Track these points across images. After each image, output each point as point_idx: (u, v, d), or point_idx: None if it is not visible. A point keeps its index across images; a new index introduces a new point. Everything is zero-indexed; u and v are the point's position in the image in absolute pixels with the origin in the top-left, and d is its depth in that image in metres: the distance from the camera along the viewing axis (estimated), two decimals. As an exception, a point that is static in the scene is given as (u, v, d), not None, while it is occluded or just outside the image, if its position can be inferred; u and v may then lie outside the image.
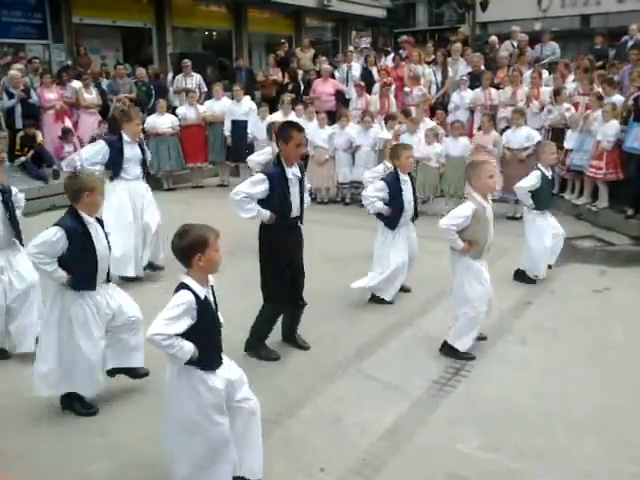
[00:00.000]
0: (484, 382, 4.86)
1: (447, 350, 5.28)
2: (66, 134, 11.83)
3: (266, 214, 5.00)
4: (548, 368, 5.05)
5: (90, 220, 4.40)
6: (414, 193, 6.50)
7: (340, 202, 10.99)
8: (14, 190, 5.32)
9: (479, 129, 10.07)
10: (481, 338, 5.45)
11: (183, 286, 3.34)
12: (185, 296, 3.30)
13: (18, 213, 5.31)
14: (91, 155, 6.86)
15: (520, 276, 7.06)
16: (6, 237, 5.21)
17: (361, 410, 4.49)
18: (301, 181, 5.19)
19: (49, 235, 4.24)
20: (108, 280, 4.59)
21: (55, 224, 4.29)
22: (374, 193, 6.36)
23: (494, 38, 14.06)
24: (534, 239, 6.94)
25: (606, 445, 4.06)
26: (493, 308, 5.43)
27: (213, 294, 3.51)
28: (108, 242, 4.54)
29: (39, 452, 4.07)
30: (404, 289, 6.66)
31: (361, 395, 4.71)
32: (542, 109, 10.31)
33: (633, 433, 4.19)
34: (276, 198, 4.98)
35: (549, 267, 7.08)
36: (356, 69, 13.74)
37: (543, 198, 6.91)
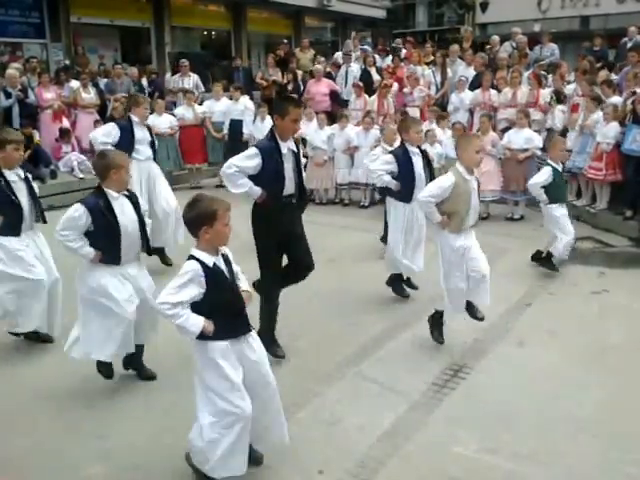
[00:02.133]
0: (482, 384, 4.85)
1: (432, 320, 5.42)
2: (64, 134, 11.79)
3: (257, 191, 4.81)
4: (546, 369, 5.03)
5: (115, 195, 4.46)
6: (429, 167, 6.35)
7: (339, 203, 10.95)
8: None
9: (478, 130, 10.03)
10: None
11: (190, 257, 3.39)
12: (190, 265, 3.35)
13: None
14: (101, 135, 7.16)
15: (542, 260, 7.21)
16: (31, 219, 5.27)
17: (359, 412, 4.47)
18: (297, 156, 4.99)
19: (71, 212, 4.38)
20: (149, 252, 4.76)
21: (77, 202, 4.42)
22: (381, 166, 6.26)
23: (495, 38, 14.02)
24: (558, 231, 7.11)
25: (604, 447, 4.06)
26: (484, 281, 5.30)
27: (228, 262, 3.51)
28: (140, 216, 4.61)
29: (37, 454, 4.06)
30: (412, 286, 6.58)
31: (359, 397, 4.69)
32: (545, 112, 10.28)
33: (631, 435, 4.18)
34: (268, 173, 4.77)
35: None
36: (356, 70, 13.71)
37: (557, 192, 7.05)
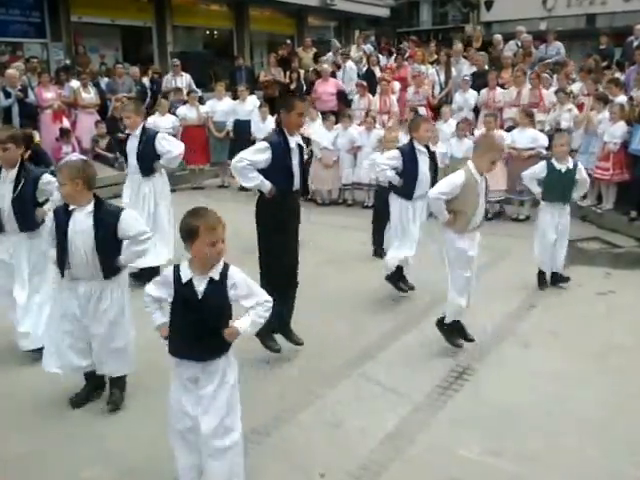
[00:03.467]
0: (487, 385, 4.82)
1: (445, 326, 5.34)
2: (64, 134, 11.71)
3: (268, 185, 4.83)
4: (551, 371, 4.99)
5: (71, 207, 4.27)
6: (434, 168, 6.28)
7: (342, 204, 10.87)
8: (46, 178, 5.05)
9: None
10: (468, 339, 5.38)
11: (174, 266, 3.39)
12: (167, 270, 3.40)
13: (49, 205, 5.04)
14: None
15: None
16: (11, 225, 5.06)
17: (362, 414, 4.44)
18: (302, 151, 5.04)
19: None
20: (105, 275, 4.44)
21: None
22: (386, 161, 6.23)
23: (498, 37, 13.92)
24: (536, 231, 6.88)
25: (609, 449, 4.01)
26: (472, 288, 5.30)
27: (214, 288, 3.28)
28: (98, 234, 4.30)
29: (36, 456, 4.03)
30: (409, 286, 6.54)
31: (362, 399, 4.65)
32: (548, 111, 10.18)
33: (637, 437, 4.14)
34: (278, 168, 4.81)
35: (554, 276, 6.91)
36: (350, 69, 13.67)
37: (548, 190, 6.74)
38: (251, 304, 3.35)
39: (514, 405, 4.50)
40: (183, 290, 3.28)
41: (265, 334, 5.06)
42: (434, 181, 6.11)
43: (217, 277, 3.28)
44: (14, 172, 4.99)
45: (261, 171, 4.83)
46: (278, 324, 5.17)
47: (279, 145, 4.83)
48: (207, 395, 3.36)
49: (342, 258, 7.78)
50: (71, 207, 4.24)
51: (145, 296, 3.45)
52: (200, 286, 3.27)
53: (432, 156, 6.33)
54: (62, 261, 4.26)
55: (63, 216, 4.24)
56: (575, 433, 4.17)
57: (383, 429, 4.23)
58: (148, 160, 6.94)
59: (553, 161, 6.71)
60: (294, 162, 4.92)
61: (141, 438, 4.10)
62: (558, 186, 6.65)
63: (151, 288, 3.43)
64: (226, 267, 3.32)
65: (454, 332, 5.35)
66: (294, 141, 4.92)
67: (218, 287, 3.28)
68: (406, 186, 6.20)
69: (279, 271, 4.97)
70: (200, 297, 3.27)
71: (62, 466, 3.92)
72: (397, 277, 6.51)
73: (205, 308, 3.28)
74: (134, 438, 4.13)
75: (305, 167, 5.10)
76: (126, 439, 4.14)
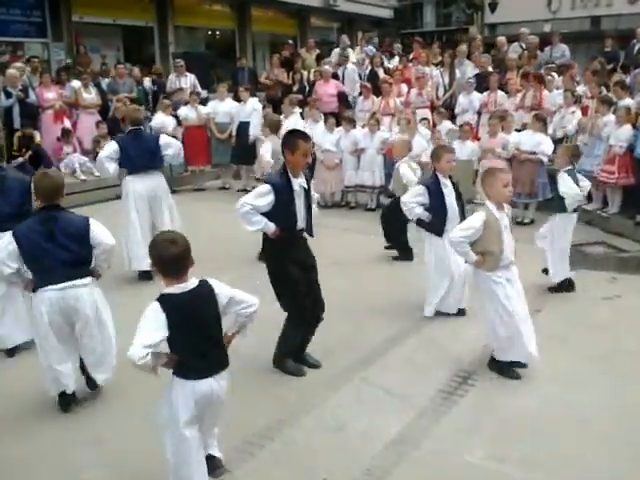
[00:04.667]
0: (491, 390, 4.79)
1: (492, 365, 5.10)
2: (65, 135, 11.64)
3: (272, 227, 4.82)
4: (556, 376, 4.96)
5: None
6: (460, 199, 6.13)
7: (345, 206, 10.81)
8: None
9: (487, 132, 9.86)
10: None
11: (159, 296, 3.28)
12: (152, 306, 3.24)
13: None
14: None
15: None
16: None
17: (365, 419, 4.40)
18: (307, 192, 5.00)
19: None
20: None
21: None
22: (413, 198, 6.08)
23: (502, 39, 13.83)
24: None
25: (615, 455, 3.98)
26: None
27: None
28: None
29: (34, 459, 4.02)
30: (460, 311, 6.26)
31: (365, 403, 4.64)
32: (551, 114, 10.09)
33: (641, 441, 4.11)
34: (281, 210, 4.80)
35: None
36: (351, 71, 13.61)
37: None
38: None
39: (518, 410, 4.47)
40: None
41: (283, 362, 5.09)
42: (462, 212, 6.00)
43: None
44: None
45: (266, 213, 4.82)
46: (296, 353, 5.21)
47: (282, 188, 4.80)
48: (211, 409, 3.54)
49: (345, 261, 7.74)
50: None
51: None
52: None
53: (456, 187, 6.16)
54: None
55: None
56: (579, 438, 4.14)
57: (386, 434, 4.20)
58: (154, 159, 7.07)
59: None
60: (297, 203, 4.88)
61: (143, 442, 4.03)
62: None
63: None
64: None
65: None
66: (298, 183, 4.87)
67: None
68: (436, 221, 6.04)
69: (298, 309, 4.96)
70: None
71: (62, 468, 3.90)
72: None
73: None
74: (136, 442, 4.09)
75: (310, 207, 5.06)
76: (128, 443, 4.12)
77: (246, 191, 6.81)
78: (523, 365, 5.01)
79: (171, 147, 7.14)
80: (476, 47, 12.98)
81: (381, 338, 5.67)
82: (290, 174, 4.83)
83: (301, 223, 4.96)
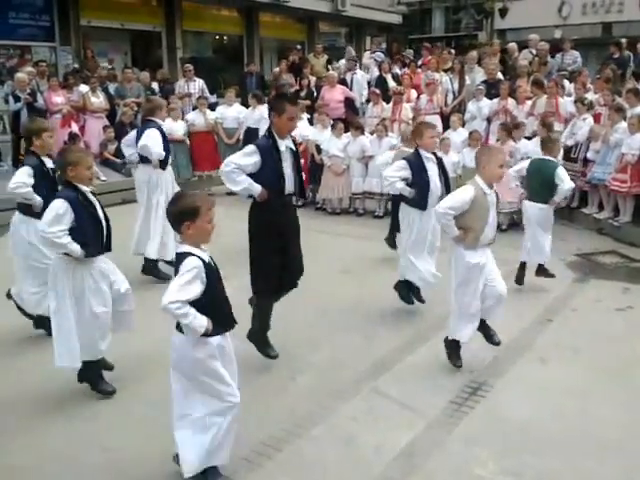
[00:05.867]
0: (503, 402, 4.69)
1: (448, 344, 5.19)
2: (73, 139, 11.60)
3: (257, 188, 4.76)
4: (569, 388, 4.85)
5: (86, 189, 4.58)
6: (444, 175, 6.16)
7: (352, 213, 10.73)
8: None
9: (498, 140, 9.76)
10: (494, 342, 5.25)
11: (186, 255, 3.37)
12: (193, 261, 3.35)
13: None
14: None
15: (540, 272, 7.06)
16: None
17: (375, 429, 4.34)
18: (295, 154, 4.99)
19: (55, 208, 4.40)
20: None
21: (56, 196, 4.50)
22: (394, 172, 6.10)
23: (513, 45, 13.75)
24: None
25: (629, 469, 3.90)
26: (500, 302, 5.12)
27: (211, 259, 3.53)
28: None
29: (39, 465, 3.96)
30: (420, 299, 6.38)
31: (375, 414, 4.55)
32: (565, 122, 9.99)
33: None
34: (268, 171, 4.75)
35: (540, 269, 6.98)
36: (361, 78, 13.58)
37: (528, 186, 7.02)
38: None
39: (532, 423, 4.39)
40: (211, 271, 3.44)
41: (262, 343, 5.08)
42: (447, 190, 6.01)
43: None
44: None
45: (251, 175, 4.79)
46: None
47: (267, 148, 4.78)
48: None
49: (353, 268, 7.67)
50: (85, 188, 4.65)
51: (180, 306, 3.29)
52: (212, 262, 3.51)
53: (440, 163, 6.19)
54: (101, 236, 4.70)
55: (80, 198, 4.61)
56: (595, 452, 4.05)
57: (397, 445, 4.13)
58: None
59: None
60: (285, 165, 4.85)
61: (150, 449, 4.00)
62: (535, 184, 6.90)
63: (182, 294, 3.29)
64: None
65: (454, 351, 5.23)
66: (284, 144, 4.85)
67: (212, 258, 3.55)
68: (418, 196, 6.05)
69: (266, 272, 4.92)
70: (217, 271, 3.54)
71: (66, 476, 3.87)
72: (407, 288, 6.35)
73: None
74: (142, 449, 4.04)
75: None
76: (134, 450, 4.05)
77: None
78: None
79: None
80: (494, 53, 12.90)
81: (391, 347, 5.59)
82: (276, 136, 4.80)
83: (290, 186, 4.90)
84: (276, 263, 4.90)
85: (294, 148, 4.98)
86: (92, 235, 4.51)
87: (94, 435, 4.25)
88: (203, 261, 3.38)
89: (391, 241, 7.71)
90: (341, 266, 7.61)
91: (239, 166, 4.75)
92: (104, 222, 4.62)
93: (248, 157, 4.76)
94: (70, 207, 4.39)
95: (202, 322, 3.34)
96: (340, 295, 6.43)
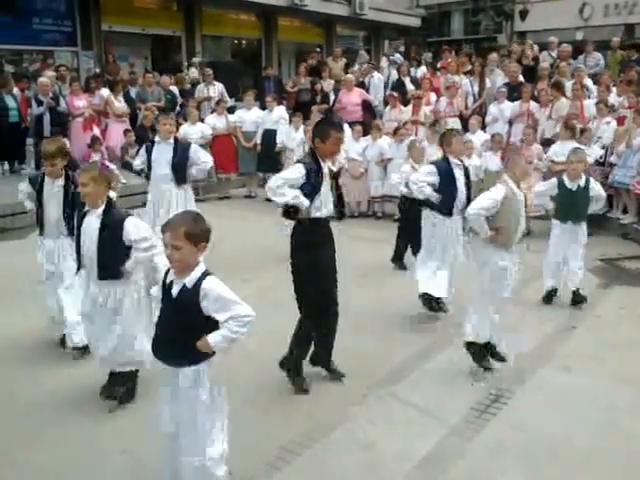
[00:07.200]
0: (525, 411, 4.63)
1: (470, 347, 5.15)
2: (94, 142, 11.69)
3: (305, 201, 4.60)
4: (594, 398, 4.78)
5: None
6: (468, 182, 6.14)
7: (371, 216, 10.69)
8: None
9: (522, 141, 9.67)
10: (500, 359, 5.19)
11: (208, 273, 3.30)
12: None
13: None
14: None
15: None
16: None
17: (394, 436, 4.29)
18: (335, 177, 4.99)
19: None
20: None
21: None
22: (423, 177, 6.08)
23: (535, 48, 13.62)
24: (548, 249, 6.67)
25: None
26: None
27: (186, 294, 3.32)
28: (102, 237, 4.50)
29: (58, 469, 3.96)
30: (442, 308, 6.33)
31: (395, 420, 4.52)
32: (588, 123, 9.88)
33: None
34: (310, 190, 4.64)
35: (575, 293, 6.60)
36: (380, 79, 13.53)
37: (559, 208, 6.60)
38: (224, 318, 3.25)
39: (556, 432, 4.33)
40: (165, 290, 3.37)
41: (295, 371, 4.91)
42: (468, 197, 6.00)
43: (190, 285, 3.27)
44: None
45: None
46: (316, 355, 5.06)
47: (312, 167, 4.68)
48: (181, 412, 3.39)
49: (373, 273, 7.63)
50: (86, 208, 4.51)
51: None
52: (175, 290, 3.32)
53: (466, 171, 6.19)
54: (78, 259, 4.59)
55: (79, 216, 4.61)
56: (621, 463, 3.99)
57: (417, 453, 4.07)
58: (182, 170, 7.13)
59: (564, 178, 6.45)
60: (324, 185, 4.75)
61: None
62: (568, 204, 6.46)
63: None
64: (203, 277, 3.27)
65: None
66: (327, 166, 4.84)
67: (190, 294, 3.27)
68: (445, 202, 6.04)
69: (315, 297, 4.79)
70: (174, 300, 3.32)
71: (87, 479, 3.88)
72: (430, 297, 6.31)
73: (177, 311, 3.32)
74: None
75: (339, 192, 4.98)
76: (152, 452, 3.93)
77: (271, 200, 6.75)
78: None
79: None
80: (523, 54, 12.79)
81: (410, 353, 5.55)
82: (319, 158, 4.74)
83: (330, 209, 4.82)
84: (322, 285, 4.80)
85: (333, 169, 5.01)
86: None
87: (113, 438, 4.25)
88: (165, 279, 3.42)
89: (399, 262, 7.70)
90: (359, 270, 7.55)
91: (286, 180, 4.64)
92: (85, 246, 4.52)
93: (294, 172, 4.66)
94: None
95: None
96: (358, 299, 6.38)
